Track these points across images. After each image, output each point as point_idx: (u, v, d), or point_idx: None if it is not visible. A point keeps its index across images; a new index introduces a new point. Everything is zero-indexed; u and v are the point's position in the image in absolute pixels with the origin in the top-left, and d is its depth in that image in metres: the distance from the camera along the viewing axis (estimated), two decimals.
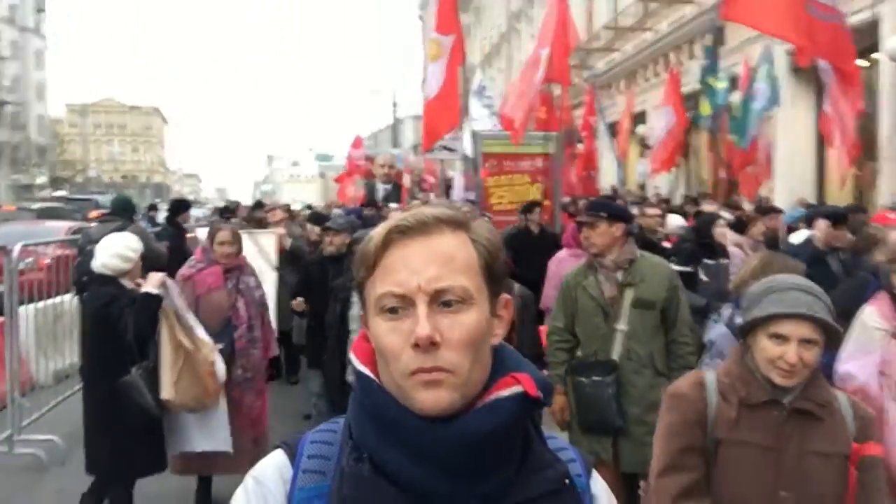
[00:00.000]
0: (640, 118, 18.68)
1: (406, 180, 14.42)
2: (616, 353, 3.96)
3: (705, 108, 11.20)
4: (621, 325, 3.95)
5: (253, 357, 4.85)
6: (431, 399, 1.02)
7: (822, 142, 12.77)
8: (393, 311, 1.04)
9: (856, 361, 3.35)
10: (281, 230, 8.50)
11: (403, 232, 1.06)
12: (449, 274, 1.04)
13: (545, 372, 3.82)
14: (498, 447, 1.04)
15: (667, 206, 10.97)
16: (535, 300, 5.21)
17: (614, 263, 3.98)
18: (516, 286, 4.11)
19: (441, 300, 1.04)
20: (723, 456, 2.16)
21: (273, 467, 1.11)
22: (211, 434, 4.44)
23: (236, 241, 4.94)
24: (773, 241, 6.66)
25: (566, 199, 11.12)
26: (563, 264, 6.04)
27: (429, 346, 1.01)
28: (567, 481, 1.09)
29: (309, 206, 18.31)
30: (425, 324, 1.01)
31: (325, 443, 1.12)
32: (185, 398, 4.19)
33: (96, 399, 4.32)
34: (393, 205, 12.35)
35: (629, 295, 3.95)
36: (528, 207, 8.29)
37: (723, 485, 2.16)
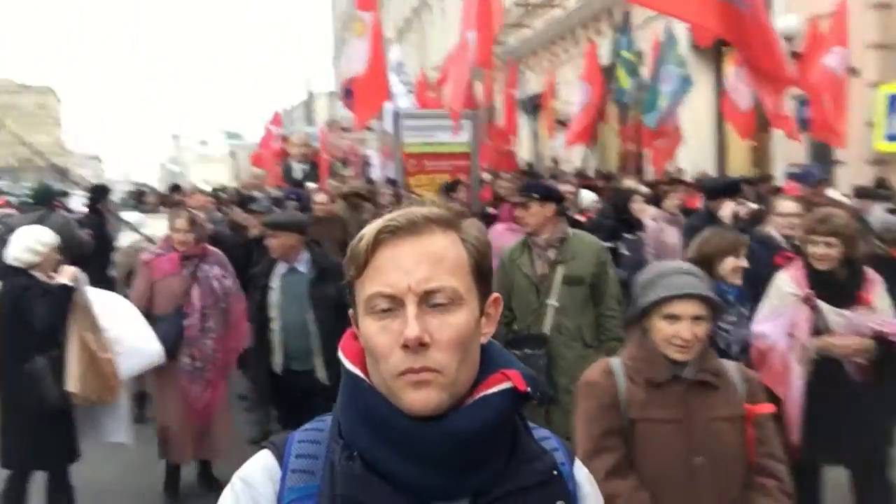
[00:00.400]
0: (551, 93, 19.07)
1: (325, 158, 14.34)
2: (547, 327, 4.18)
3: (625, 81, 11.54)
4: (552, 301, 4.16)
5: (205, 347, 4.78)
6: (420, 399, 1.03)
7: (721, 116, 13.40)
8: (383, 311, 1.05)
9: (769, 322, 3.67)
10: (200, 215, 8.39)
11: (393, 232, 1.06)
12: (439, 274, 1.05)
13: None
14: (488, 442, 1.06)
15: (581, 181, 11.29)
16: None
17: (546, 242, 4.20)
18: None
19: (431, 301, 1.04)
20: (639, 434, 2.34)
21: (261, 468, 1.11)
22: (118, 426, 4.49)
23: (194, 228, 4.91)
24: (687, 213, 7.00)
25: (487, 176, 11.33)
26: (500, 238, 6.24)
27: (418, 346, 1.02)
28: (555, 472, 1.12)
29: (223, 188, 17.88)
30: (414, 325, 1.02)
31: (312, 441, 1.12)
32: (88, 391, 4.22)
33: (5, 389, 4.32)
34: (312, 185, 12.29)
35: (560, 272, 4.16)
36: (451, 186, 8.40)
37: (643, 461, 2.35)
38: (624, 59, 11.11)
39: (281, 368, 4.53)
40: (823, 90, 8.02)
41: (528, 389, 1.09)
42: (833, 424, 3.64)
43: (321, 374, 4.43)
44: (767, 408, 2.40)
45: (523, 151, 18.75)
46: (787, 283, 3.75)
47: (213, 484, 5.31)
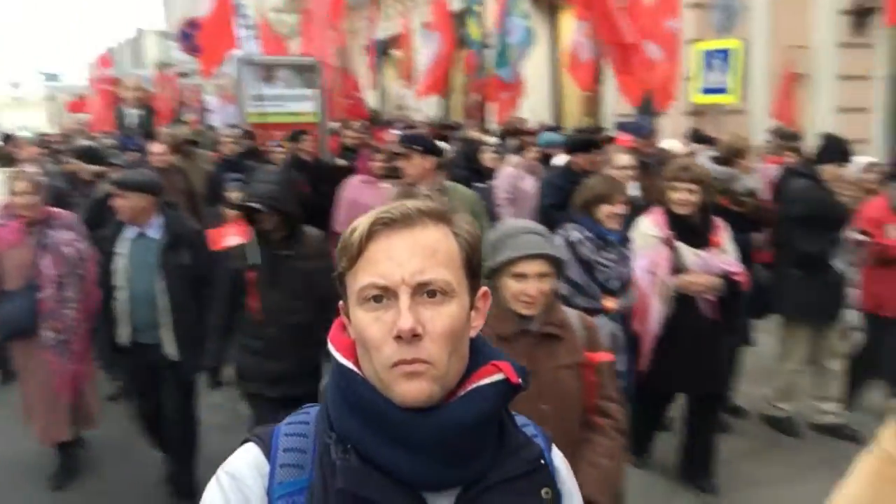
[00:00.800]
0: (395, 42, 18.97)
1: (164, 103, 13.60)
2: None
3: (475, 31, 11.66)
4: None
5: (65, 318, 4.39)
6: (413, 391, 1.04)
7: (557, 67, 13.95)
8: (376, 299, 1.06)
9: (635, 262, 4.03)
10: (32, 168, 7.77)
11: (387, 224, 1.07)
12: (432, 267, 1.06)
13: None
14: (479, 433, 1.08)
15: (430, 130, 11.42)
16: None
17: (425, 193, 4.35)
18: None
19: (423, 293, 1.05)
20: None
21: (248, 463, 1.10)
22: None
23: (37, 191, 4.41)
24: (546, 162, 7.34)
25: (336, 125, 11.23)
26: (355, 190, 6.29)
27: (411, 338, 1.03)
28: (542, 461, 1.15)
29: (44, 135, 16.48)
30: (408, 316, 1.03)
31: (299, 435, 1.12)
32: None
33: None
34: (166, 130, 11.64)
35: None
36: (295, 136, 8.23)
37: None
38: (474, 12, 11.29)
39: (128, 340, 4.22)
40: (663, 49, 8.56)
41: (520, 381, 1.12)
42: (685, 357, 4.06)
43: (170, 349, 4.15)
44: (606, 356, 2.59)
45: (369, 98, 18.57)
46: (648, 226, 4.11)
47: (80, 441, 5.13)
